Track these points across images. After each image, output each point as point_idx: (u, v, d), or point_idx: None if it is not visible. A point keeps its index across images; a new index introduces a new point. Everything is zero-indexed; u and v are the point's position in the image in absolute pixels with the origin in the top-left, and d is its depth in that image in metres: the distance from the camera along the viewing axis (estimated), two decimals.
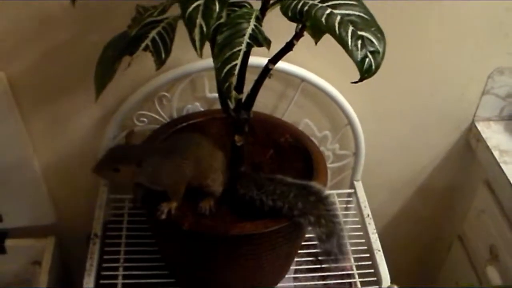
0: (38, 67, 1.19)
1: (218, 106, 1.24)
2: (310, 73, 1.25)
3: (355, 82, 0.78)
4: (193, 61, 1.19)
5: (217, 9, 0.72)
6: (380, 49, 0.77)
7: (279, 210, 1.00)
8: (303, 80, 1.25)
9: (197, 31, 0.72)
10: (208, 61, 1.15)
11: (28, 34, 1.15)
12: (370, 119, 1.35)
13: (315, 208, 1.01)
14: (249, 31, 0.80)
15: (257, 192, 1.02)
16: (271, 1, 0.87)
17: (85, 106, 1.27)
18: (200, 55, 0.73)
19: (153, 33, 0.86)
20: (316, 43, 0.95)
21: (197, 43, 0.72)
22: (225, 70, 0.77)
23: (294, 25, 0.85)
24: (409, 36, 1.23)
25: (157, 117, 1.28)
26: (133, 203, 1.04)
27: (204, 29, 0.72)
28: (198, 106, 1.29)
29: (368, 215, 1.34)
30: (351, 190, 1.44)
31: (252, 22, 0.81)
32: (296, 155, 1.16)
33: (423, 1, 1.20)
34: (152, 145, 1.03)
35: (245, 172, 1.07)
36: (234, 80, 0.78)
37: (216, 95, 1.23)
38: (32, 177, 1.37)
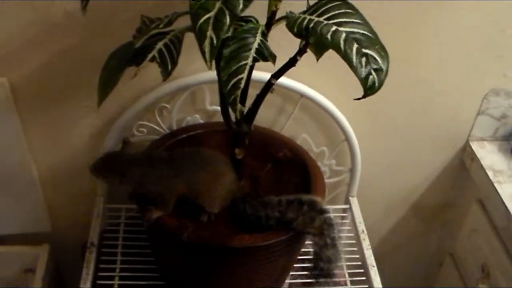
0: (40, 74, 1.20)
1: (217, 118, 1.27)
2: (309, 89, 1.26)
3: (358, 99, 0.79)
4: (194, 73, 1.20)
5: (228, 22, 0.73)
6: (384, 67, 0.79)
7: (282, 223, 1.01)
8: (302, 95, 1.27)
9: (207, 43, 0.73)
10: (209, 74, 1.18)
11: (32, 40, 1.15)
12: (366, 136, 1.37)
13: (314, 220, 1.02)
14: (255, 45, 0.81)
15: (264, 212, 1.03)
16: (277, 17, 0.89)
17: (85, 115, 1.28)
18: (210, 67, 0.74)
19: (160, 45, 0.87)
20: (317, 59, 0.96)
21: (207, 55, 0.73)
22: (231, 83, 0.78)
23: (296, 40, 0.86)
24: (406, 55, 1.25)
25: (156, 127, 1.29)
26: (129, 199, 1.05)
27: (215, 41, 0.73)
28: (198, 118, 1.30)
29: (363, 231, 1.35)
30: (346, 206, 1.45)
31: (258, 37, 0.82)
32: (294, 170, 1.17)
33: (419, 21, 1.22)
34: (142, 155, 1.03)
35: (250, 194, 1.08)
36: (239, 93, 0.79)
37: (216, 107, 1.25)
38: (29, 184, 1.37)
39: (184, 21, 0.91)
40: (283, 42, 0.92)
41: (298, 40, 0.88)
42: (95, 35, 1.15)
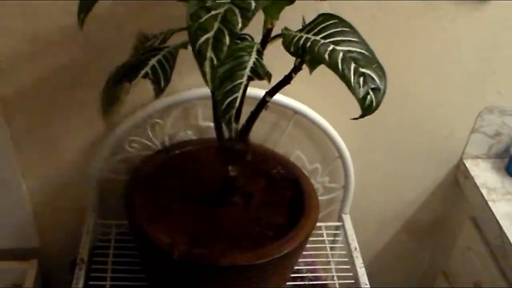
0: (33, 89, 1.19)
1: (210, 134, 1.25)
2: (303, 106, 1.25)
3: (355, 119, 0.78)
4: (186, 89, 1.19)
5: (227, 42, 0.72)
6: (381, 87, 0.78)
7: None
8: (296, 112, 1.26)
9: (207, 63, 0.72)
10: (201, 90, 1.17)
11: (25, 56, 1.14)
12: (359, 153, 1.36)
13: None
14: (250, 64, 0.80)
15: None
16: (272, 34, 0.88)
17: (76, 130, 1.26)
18: (211, 88, 0.73)
19: (153, 61, 0.86)
20: (310, 73, 0.95)
21: (208, 76, 0.72)
22: (226, 102, 0.77)
23: (289, 57, 0.85)
24: (399, 71, 1.24)
25: (149, 143, 1.27)
26: None
27: (215, 62, 0.72)
28: (190, 134, 1.29)
29: (356, 248, 1.34)
30: (339, 223, 1.43)
31: (253, 55, 0.81)
32: (287, 187, 1.16)
33: (413, 37, 1.22)
34: None
35: None
36: (234, 112, 0.78)
37: (209, 123, 1.24)
38: (18, 199, 1.35)
39: (179, 37, 0.91)
40: (276, 59, 0.90)
41: (291, 57, 0.87)
42: (88, 52, 1.15)
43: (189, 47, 0.73)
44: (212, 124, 1.23)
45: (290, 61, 0.88)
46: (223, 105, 0.77)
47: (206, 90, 1.10)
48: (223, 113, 0.77)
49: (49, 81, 1.18)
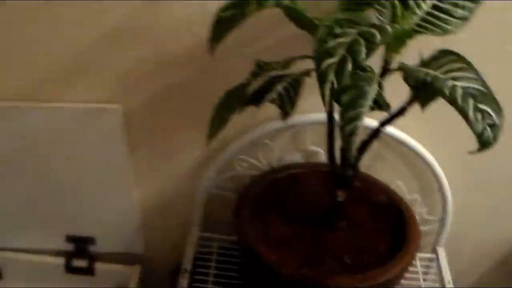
0: (153, 104, 1.27)
1: (315, 159, 1.30)
2: (408, 137, 1.28)
3: (472, 153, 0.81)
4: (299, 113, 1.24)
5: (350, 69, 0.77)
6: (498, 123, 0.80)
7: None
8: (400, 142, 1.29)
9: (327, 86, 0.77)
10: (313, 116, 1.21)
11: (149, 72, 1.22)
12: (461, 188, 1.36)
13: None
14: (372, 94, 0.84)
15: None
16: (392, 67, 0.92)
17: (189, 146, 1.34)
18: (327, 108, 0.77)
19: (279, 87, 0.91)
20: (423, 109, 0.98)
21: (326, 98, 0.77)
22: (348, 128, 0.81)
23: (400, 90, 0.89)
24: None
25: (257, 163, 1.33)
26: None
27: (335, 86, 0.77)
28: (298, 157, 1.34)
29: (449, 282, 1.34)
30: (433, 255, 1.44)
31: (375, 86, 0.86)
32: (390, 215, 1.19)
33: None
34: None
35: None
36: (355, 139, 0.82)
37: (317, 148, 1.29)
38: (129, 206, 1.44)
39: (300, 65, 0.97)
40: (390, 91, 0.94)
41: (402, 90, 0.91)
42: (208, 73, 1.21)
43: (312, 75, 0.79)
44: (319, 149, 1.29)
45: (399, 94, 0.92)
46: (346, 131, 0.81)
47: (317, 116, 1.17)
48: (345, 139, 0.81)
49: (168, 97, 1.26)
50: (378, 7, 0.90)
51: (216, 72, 1.20)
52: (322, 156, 1.30)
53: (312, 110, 1.20)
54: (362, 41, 0.79)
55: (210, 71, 1.21)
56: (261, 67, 1.02)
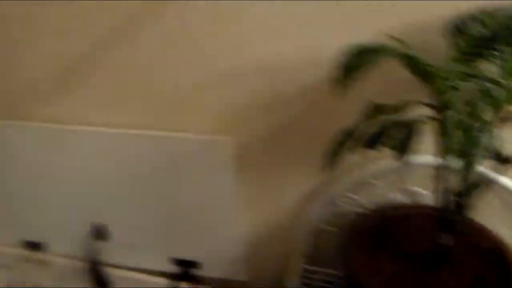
0: (263, 136, 1.34)
1: (417, 200, 1.32)
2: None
3: None
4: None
5: (470, 123, 0.80)
6: None
7: None
8: (507, 189, 1.29)
9: (448, 135, 0.80)
10: (422, 158, 1.23)
11: (262, 106, 1.30)
12: None
13: None
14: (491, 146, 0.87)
15: None
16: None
17: (297, 179, 1.39)
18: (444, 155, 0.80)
19: (395, 132, 0.95)
20: None
21: (445, 146, 0.80)
22: (467, 174, 0.84)
23: None
24: None
25: (361, 201, 1.36)
26: None
27: (455, 137, 0.80)
28: (400, 197, 1.36)
29: None
30: None
31: (493, 139, 0.88)
32: (494, 262, 1.18)
33: None
34: None
35: None
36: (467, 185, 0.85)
37: (420, 189, 1.31)
38: (236, 234, 1.50)
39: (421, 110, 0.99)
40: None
41: None
42: (319, 111, 1.27)
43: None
44: (422, 191, 1.31)
45: None
46: (462, 177, 0.84)
47: (422, 158, 1.18)
48: (462, 185, 0.84)
49: (279, 131, 1.33)
50: (492, 59, 0.93)
51: (327, 111, 1.25)
52: (422, 197, 1.32)
53: (418, 152, 1.21)
54: (485, 98, 0.82)
55: (321, 109, 1.26)
56: (374, 109, 1.06)
